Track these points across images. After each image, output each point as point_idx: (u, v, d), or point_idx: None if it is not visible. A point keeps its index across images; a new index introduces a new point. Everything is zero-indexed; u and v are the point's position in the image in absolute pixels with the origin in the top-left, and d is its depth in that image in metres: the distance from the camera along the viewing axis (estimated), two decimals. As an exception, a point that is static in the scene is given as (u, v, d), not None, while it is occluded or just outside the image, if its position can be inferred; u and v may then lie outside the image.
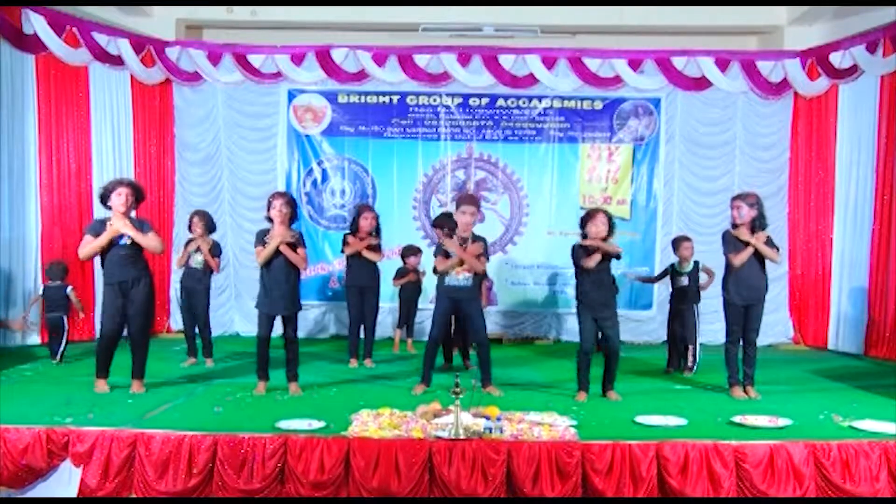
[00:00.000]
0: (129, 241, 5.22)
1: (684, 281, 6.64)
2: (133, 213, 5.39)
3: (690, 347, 6.56)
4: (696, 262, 6.69)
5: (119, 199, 5.23)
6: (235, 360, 7.02)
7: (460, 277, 5.53)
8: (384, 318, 8.75)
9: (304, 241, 5.55)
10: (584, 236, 5.42)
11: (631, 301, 8.86)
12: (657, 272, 7.95)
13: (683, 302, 6.61)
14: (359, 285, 6.88)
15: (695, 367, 6.52)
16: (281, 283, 5.37)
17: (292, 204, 5.50)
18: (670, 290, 6.86)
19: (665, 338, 6.92)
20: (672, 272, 6.75)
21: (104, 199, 5.31)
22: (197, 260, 6.70)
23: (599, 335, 5.74)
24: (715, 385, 5.94)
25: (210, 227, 6.79)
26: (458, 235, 5.62)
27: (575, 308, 5.63)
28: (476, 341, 5.85)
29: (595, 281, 5.37)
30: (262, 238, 5.41)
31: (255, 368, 5.46)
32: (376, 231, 6.90)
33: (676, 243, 6.78)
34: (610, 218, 5.43)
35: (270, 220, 5.48)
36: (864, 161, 8.07)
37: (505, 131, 9.05)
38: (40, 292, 7.07)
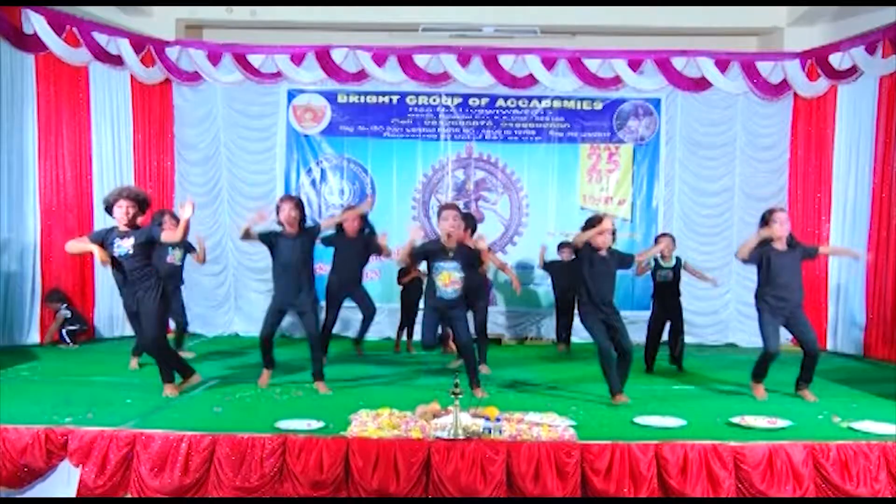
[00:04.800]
0: (130, 251, 5.14)
1: (668, 276, 6.77)
2: (139, 221, 5.31)
3: (680, 339, 6.76)
4: (678, 259, 6.83)
5: (120, 211, 5.17)
6: (235, 360, 7.01)
7: (449, 290, 5.43)
8: (383, 318, 8.76)
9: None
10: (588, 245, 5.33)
11: (632, 301, 8.86)
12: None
13: (669, 296, 6.77)
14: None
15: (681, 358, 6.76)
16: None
17: (300, 207, 5.61)
18: (653, 284, 6.95)
19: (647, 334, 6.93)
20: (655, 266, 6.86)
21: (108, 209, 5.26)
22: (177, 256, 6.70)
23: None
24: (714, 386, 5.96)
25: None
26: (445, 245, 5.47)
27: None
28: (458, 346, 5.77)
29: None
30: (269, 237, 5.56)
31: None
32: (369, 229, 6.89)
33: (658, 239, 6.97)
34: (613, 228, 5.38)
35: (281, 223, 5.53)
36: (862, 162, 8.08)
37: (505, 131, 9.05)
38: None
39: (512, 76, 8.75)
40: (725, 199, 8.92)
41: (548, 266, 8.12)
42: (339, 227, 6.94)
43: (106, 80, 8.40)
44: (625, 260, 5.54)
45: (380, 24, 8.92)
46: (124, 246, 5.15)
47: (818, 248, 5.78)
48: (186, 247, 6.79)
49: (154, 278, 5.27)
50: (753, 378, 5.60)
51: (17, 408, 4.55)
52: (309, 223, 5.75)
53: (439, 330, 6.05)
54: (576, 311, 7.66)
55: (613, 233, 5.37)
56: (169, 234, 5.21)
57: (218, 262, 8.95)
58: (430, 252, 5.52)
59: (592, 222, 5.32)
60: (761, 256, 5.42)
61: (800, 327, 5.48)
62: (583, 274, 5.34)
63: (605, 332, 5.26)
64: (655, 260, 6.86)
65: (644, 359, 6.75)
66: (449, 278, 5.41)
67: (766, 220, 5.43)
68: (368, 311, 7.05)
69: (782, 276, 5.37)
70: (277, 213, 5.57)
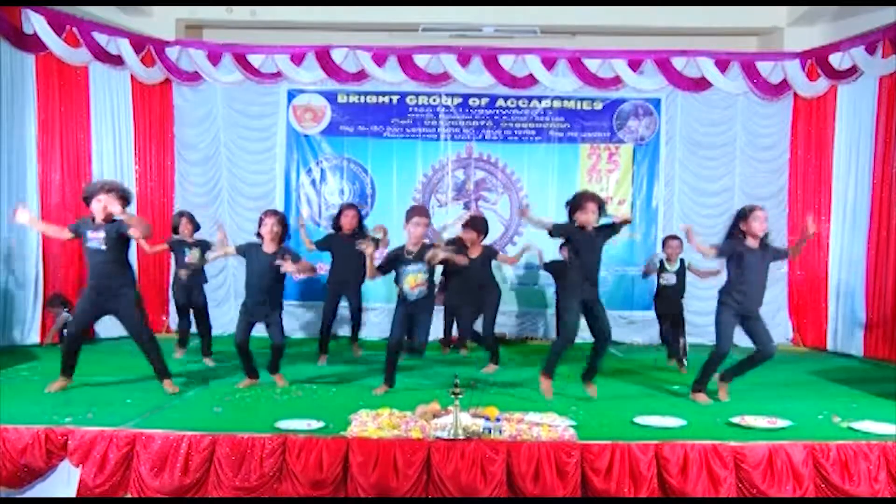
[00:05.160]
0: (102, 246, 5.14)
1: (672, 279, 6.80)
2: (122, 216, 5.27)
3: (682, 341, 6.75)
4: (682, 261, 6.85)
5: (98, 205, 5.17)
6: (235, 360, 7.00)
7: (415, 292, 5.42)
8: (383, 318, 8.76)
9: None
10: (572, 222, 5.34)
11: (631, 301, 8.87)
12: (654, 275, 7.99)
13: (671, 298, 6.80)
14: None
15: (685, 361, 6.72)
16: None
17: (283, 223, 5.60)
18: (656, 286, 6.98)
19: (659, 335, 7.10)
20: (660, 269, 6.87)
21: (87, 200, 5.26)
22: (195, 255, 6.77)
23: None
24: (714, 386, 5.95)
25: (196, 226, 6.92)
26: (407, 248, 5.46)
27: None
28: (416, 341, 5.74)
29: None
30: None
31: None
32: (360, 228, 6.91)
33: (665, 241, 7.00)
34: (601, 204, 5.31)
35: (260, 236, 5.55)
36: (861, 162, 8.07)
37: (505, 131, 9.05)
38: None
39: (512, 76, 8.75)
40: (725, 199, 8.91)
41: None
42: (335, 227, 6.96)
43: (106, 80, 8.40)
44: (610, 231, 5.42)
45: (380, 24, 8.92)
46: (95, 240, 5.15)
47: (788, 251, 5.65)
48: (203, 246, 6.80)
49: (129, 277, 5.31)
50: (695, 385, 5.42)
51: (17, 408, 4.55)
52: (290, 243, 5.83)
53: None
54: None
55: (601, 209, 5.30)
56: (134, 230, 5.15)
57: (217, 262, 8.93)
58: (394, 260, 5.50)
59: (573, 202, 5.35)
60: (733, 251, 5.31)
61: (758, 328, 5.30)
62: (569, 251, 5.43)
63: (578, 316, 5.29)
64: (661, 262, 6.86)
65: (668, 355, 6.86)
66: (415, 281, 5.41)
67: (744, 216, 5.29)
68: (355, 316, 7.09)
69: (750, 274, 5.25)
70: (260, 225, 5.58)
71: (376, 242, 6.68)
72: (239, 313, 5.71)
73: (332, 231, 7.15)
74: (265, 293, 5.56)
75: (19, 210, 5.28)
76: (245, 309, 5.64)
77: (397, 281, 5.58)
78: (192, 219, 6.88)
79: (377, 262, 5.51)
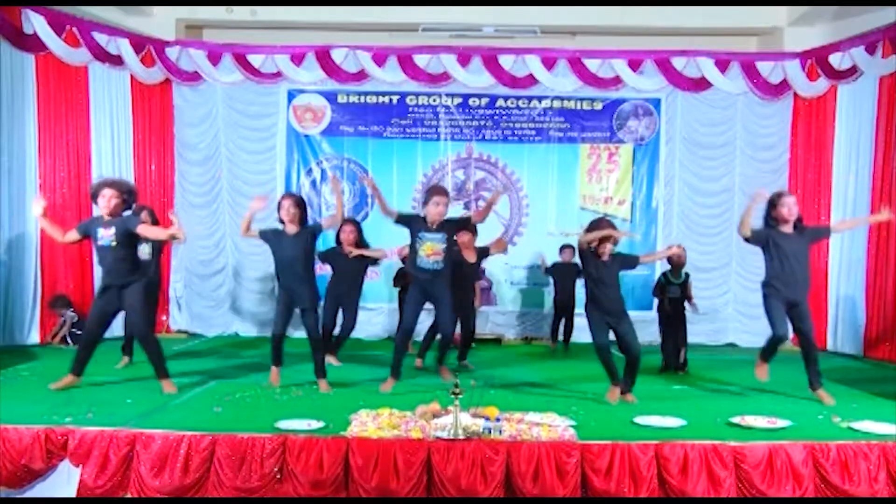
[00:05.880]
0: (113, 243, 5.13)
1: (675, 292, 6.77)
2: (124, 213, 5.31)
3: (683, 349, 6.77)
4: (687, 274, 6.82)
5: (103, 200, 5.17)
6: (235, 360, 7.02)
7: (430, 261, 5.44)
8: (383, 318, 8.78)
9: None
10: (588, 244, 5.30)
11: (631, 301, 8.85)
12: (656, 275, 7.98)
13: (675, 310, 6.80)
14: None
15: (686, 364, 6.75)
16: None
17: (301, 205, 5.57)
18: (659, 300, 6.94)
19: (660, 340, 7.04)
20: (665, 282, 6.84)
21: (93, 198, 5.27)
22: (145, 251, 6.46)
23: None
24: (714, 386, 5.96)
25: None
26: (429, 220, 5.51)
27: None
28: (440, 331, 5.74)
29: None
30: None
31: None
32: (361, 242, 6.87)
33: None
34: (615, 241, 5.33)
35: (282, 221, 5.54)
36: (862, 162, 8.08)
37: (505, 131, 9.05)
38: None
39: (512, 76, 8.75)
40: (725, 199, 8.93)
41: (550, 270, 8.13)
42: (337, 242, 6.93)
43: (106, 80, 8.40)
44: (627, 261, 5.46)
45: (380, 24, 8.92)
46: (107, 237, 5.13)
47: (829, 229, 5.62)
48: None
49: (139, 274, 5.29)
50: (760, 356, 5.54)
51: (17, 408, 4.55)
52: (310, 223, 5.76)
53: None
54: (575, 312, 7.71)
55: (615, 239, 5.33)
56: (146, 229, 5.16)
57: (217, 262, 8.95)
58: (414, 221, 5.56)
59: (594, 226, 5.29)
60: (767, 239, 5.33)
61: (800, 316, 5.37)
62: (587, 279, 5.34)
63: (606, 330, 5.27)
64: (665, 276, 6.85)
65: (663, 359, 6.81)
66: (431, 249, 5.46)
67: (773, 204, 5.32)
68: (347, 329, 7.00)
69: (788, 261, 5.27)
70: (278, 210, 5.58)
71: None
72: (277, 304, 5.68)
73: (334, 246, 7.06)
74: (298, 277, 5.50)
75: (36, 201, 5.29)
76: (279, 296, 5.62)
77: (412, 248, 5.55)
78: (152, 214, 6.44)
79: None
